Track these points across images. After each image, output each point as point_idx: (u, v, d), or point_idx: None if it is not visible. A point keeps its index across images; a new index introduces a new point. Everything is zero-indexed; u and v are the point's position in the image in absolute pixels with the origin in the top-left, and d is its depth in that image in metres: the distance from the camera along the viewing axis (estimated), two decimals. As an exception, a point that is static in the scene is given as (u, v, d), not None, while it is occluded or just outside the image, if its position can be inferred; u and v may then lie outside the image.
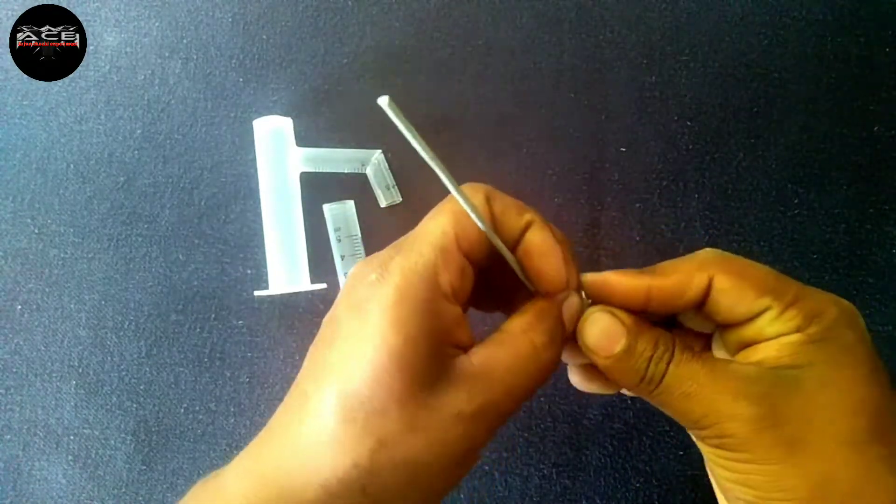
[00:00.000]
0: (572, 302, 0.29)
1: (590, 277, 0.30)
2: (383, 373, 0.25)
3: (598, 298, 0.30)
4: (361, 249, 0.47)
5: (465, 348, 0.27)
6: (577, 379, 0.33)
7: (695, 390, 0.27)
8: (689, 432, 0.29)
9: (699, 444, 0.29)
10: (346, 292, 0.28)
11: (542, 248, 0.29)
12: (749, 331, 0.29)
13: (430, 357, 0.25)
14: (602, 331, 0.29)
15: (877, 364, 0.27)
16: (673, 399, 0.28)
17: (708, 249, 0.30)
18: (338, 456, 0.25)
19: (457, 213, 0.27)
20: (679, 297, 0.29)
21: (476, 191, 0.29)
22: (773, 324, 0.28)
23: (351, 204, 0.47)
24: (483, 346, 0.28)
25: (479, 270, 0.29)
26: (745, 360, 0.28)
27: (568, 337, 0.30)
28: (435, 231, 0.27)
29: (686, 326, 0.33)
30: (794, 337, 0.27)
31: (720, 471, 0.28)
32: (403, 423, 0.25)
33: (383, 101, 0.23)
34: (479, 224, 0.27)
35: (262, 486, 0.27)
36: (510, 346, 0.28)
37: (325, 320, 0.28)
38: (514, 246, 0.29)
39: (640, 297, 0.29)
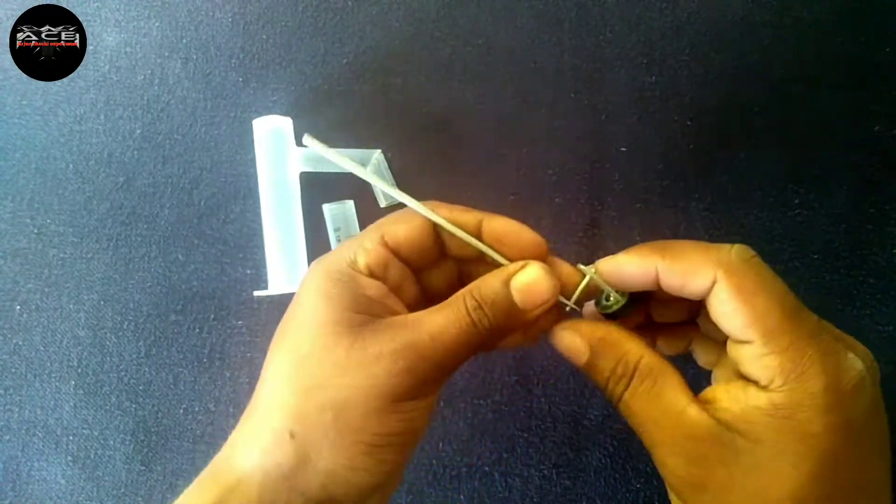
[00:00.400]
0: (527, 272, 0.30)
1: (603, 265, 0.31)
2: (310, 333, 0.29)
3: (613, 283, 0.31)
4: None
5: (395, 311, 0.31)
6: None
7: (639, 427, 0.28)
8: None
9: None
10: (300, 282, 0.32)
11: (505, 227, 0.31)
12: (734, 357, 0.28)
13: (354, 313, 0.29)
14: (566, 346, 0.31)
15: (832, 461, 0.25)
16: (627, 419, 0.29)
17: (737, 248, 0.28)
18: (275, 413, 0.28)
19: (387, 220, 0.32)
20: (681, 287, 0.29)
21: (429, 204, 0.33)
22: (752, 363, 0.26)
23: (351, 204, 0.47)
24: (424, 310, 0.30)
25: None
26: (713, 395, 0.28)
27: (529, 313, 0.31)
28: (362, 233, 0.32)
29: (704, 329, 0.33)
30: (761, 400, 0.26)
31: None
32: (329, 365, 0.28)
33: (308, 141, 0.29)
34: (437, 220, 0.31)
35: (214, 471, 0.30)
36: (444, 306, 0.30)
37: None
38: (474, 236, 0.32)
39: (650, 279, 0.29)
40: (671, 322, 0.34)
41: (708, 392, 0.28)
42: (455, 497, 0.47)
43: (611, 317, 0.32)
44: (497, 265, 0.31)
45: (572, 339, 0.31)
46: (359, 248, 0.31)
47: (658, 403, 0.28)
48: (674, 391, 0.28)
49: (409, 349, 0.28)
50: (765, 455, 0.25)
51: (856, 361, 0.26)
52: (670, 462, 0.27)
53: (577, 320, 0.32)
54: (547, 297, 0.30)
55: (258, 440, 0.28)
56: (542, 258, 0.31)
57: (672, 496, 0.29)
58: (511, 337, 0.33)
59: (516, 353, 0.47)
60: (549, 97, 0.47)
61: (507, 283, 0.30)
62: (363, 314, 0.29)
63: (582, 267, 0.32)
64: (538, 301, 0.30)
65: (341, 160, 0.31)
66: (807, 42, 0.46)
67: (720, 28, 0.46)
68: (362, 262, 0.31)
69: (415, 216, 0.32)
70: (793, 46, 0.46)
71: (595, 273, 0.31)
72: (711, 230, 0.46)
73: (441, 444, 0.47)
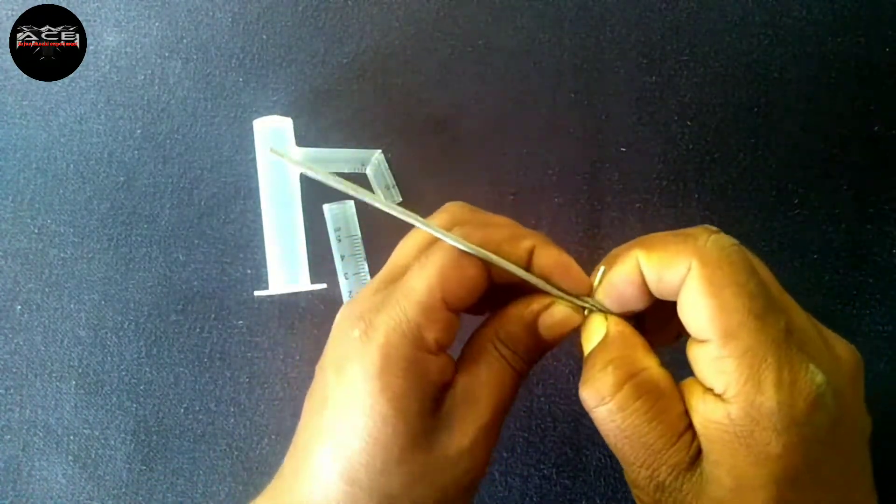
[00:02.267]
0: (555, 312, 0.29)
1: (601, 293, 0.29)
2: (378, 437, 0.25)
3: (616, 307, 0.29)
4: (361, 249, 0.47)
5: (451, 382, 0.28)
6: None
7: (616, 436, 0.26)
8: None
9: None
10: (332, 345, 0.28)
11: (557, 260, 0.29)
12: (692, 359, 0.26)
13: (421, 412, 0.26)
14: (587, 326, 0.29)
15: (790, 489, 0.23)
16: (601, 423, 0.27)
17: (716, 236, 0.26)
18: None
19: (444, 267, 0.27)
20: (659, 280, 0.26)
21: (467, 224, 0.29)
22: (709, 366, 0.24)
23: (351, 204, 0.47)
24: (460, 371, 0.28)
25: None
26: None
27: (549, 343, 0.29)
28: (420, 289, 0.26)
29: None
30: (718, 414, 0.24)
31: None
32: (406, 476, 0.26)
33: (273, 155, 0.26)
34: (491, 258, 0.27)
35: None
36: (483, 364, 0.28)
37: (317, 368, 0.29)
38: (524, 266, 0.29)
39: (641, 288, 0.27)
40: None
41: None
42: (455, 496, 0.47)
43: None
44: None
45: (596, 321, 0.28)
46: (425, 314, 0.26)
47: (643, 422, 0.25)
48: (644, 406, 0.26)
49: (482, 436, 0.27)
50: (722, 480, 0.24)
51: (816, 375, 0.23)
52: (636, 479, 0.26)
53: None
54: (572, 327, 0.29)
55: None
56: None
57: None
58: None
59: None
60: (549, 97, 0.47)
61: (532, 322, 0.28)
62: (427, 408, 0.26)
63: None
64: (565, 333, 0.29)
65: (311, 172, 0.28)
66: (807, 42, 0.46)
67: (720, 28, 0.46)
68: (431, 338, 0.26)
69: (471, 264, 0.27)
70: (793, 46, 0.46)
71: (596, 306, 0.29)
72: (711, 230, 0.46)
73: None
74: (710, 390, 0.25)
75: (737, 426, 0.23)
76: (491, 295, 0.29)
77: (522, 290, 0.29)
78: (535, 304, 0.29)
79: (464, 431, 0.26)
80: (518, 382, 0.29)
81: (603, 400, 0.26)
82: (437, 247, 0.28)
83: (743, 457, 0.23)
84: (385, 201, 0.28)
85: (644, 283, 0.27)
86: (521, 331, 0.28)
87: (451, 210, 0.30)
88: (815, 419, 0.23)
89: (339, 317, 0.28)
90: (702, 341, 0.25)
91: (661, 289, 0.27)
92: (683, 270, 0.25)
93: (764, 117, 0.46)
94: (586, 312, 0.29)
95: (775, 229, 0.46)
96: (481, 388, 0.27)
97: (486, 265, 0.28)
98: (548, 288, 0.29)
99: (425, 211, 0.47)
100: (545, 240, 0.29)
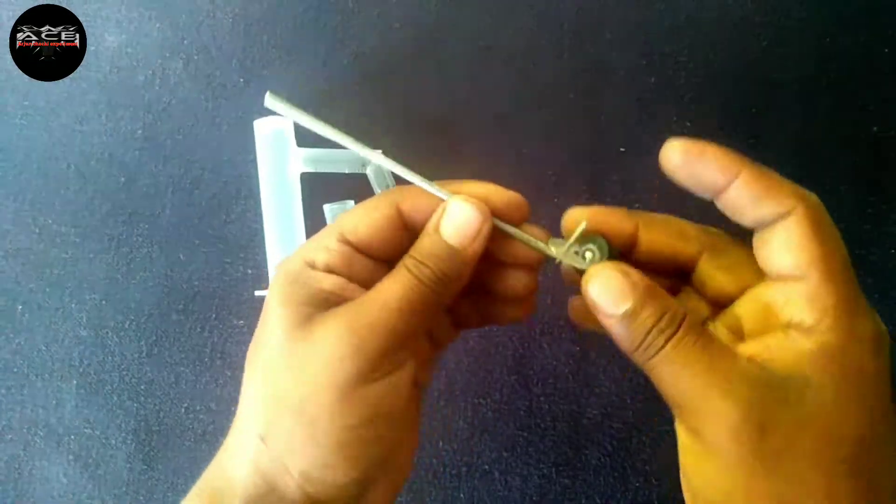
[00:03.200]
0: (450, 212, 0.30)
1: (575, 213, 0.31)
2: (269, 330, 0.29)
3: (693, 172, 0.30)
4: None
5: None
6: (574, 314, 0.33)
7: (686, 376, 0.26)
8: (671, 409, 0.28)
9: (677, 425, 0.28)
10: None
11: (476, 190, 0.31)
12: (771, 300, 0.27)
13: (305, 309, 0.28)
14: (608, 289, 0.28)
15: (885, 402, 0.26)
16: (662, 375, 0.27)
17: (814, 194, 0.28)
18: (249, 419, 0.29)
19: (352, 212, 0.31)
20: (754, 202, 0.28)
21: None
22: (803, 301, 0.26)
23: (351, 204, 0.47)
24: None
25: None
26: (745, 352, 0.27)
27: (467, 250, 0.29)
28: (325, 229, 0.31)
29: (700, 292, 0.31)
30: (809, 343, 0.25)
31: (689, 458, 0.27)
32: (285, 365, 0.28)
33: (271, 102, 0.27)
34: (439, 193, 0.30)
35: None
36: (388, 276, 0.29)
37: None
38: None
39: (721, 184, 0.29)
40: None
41: (740, 349, 0.27)
42: (455, 496, 0.47)
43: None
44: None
45: (621, 282, 0.28)
46: (317, 247, 0.30)
47: (707, 350, 0.26)
48: (720, 344, 0.27)
49: (355, 326, 0.27)
50: (828, 396, 0.25)
51: (881, 324, 0.26)
52: (723, 411, 0.25)
53: (617, 263, 0.29)
54: (477, 226, 0.29)
55: (241, 449, 0.29)
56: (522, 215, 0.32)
57: (688, 467, 0.28)
58: (510, 310, 0.33)
59: (516, 352, 0.47)
60: (549, 97, 0.47)
61: (437, 229, 0.29)
62: (316, 307, 0.28)
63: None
64: (471, 233, 0.29)
65: (311, 122, 0.30)
66: (807, 42, 0.46)
67: (720, 28, 0.46)
68: (320, 260, 0.30)
69: (380, 209, 0.30)
70: (793, 46, 0.46)
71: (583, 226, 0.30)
72: (711, 230, 0.46)
73: (441, 443, 0.47)
74: (792, 325, 0.26)
75: (832, 352, 0.25)
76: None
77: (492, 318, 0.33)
78: (436, 212, 0.30)
79: (338, 323, 0.28)
80: (425, 296, 0.28)
81: (662, 348, 0.27)
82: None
83: (844, 376, 0.25)
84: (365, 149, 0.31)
85: (725, 186, 0.29)
86: (428, 237, 0.29)
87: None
88: (886, 357, 0.26)
89: None
90: (791, 278, 0.26)
91: (751, 209, 0.28)
92: (784, 208, 0.27)
93: (764, 117, 0.46)
94: (558, 261, 0.30)
95: (775, 229, 0.46)
96: (374, 291, 0.29)
97: (398, 216, 0.30)
98: (507, 228, 0.30)
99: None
100: (463, 182, 0.31)
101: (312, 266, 0.30)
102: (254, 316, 0.48)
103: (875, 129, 0.46)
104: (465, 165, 0.47)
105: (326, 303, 0.29)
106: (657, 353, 0.27)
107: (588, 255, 0.30)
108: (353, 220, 0.30)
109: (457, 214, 0.29)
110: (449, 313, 0.34)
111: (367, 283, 0.30)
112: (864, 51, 0.46)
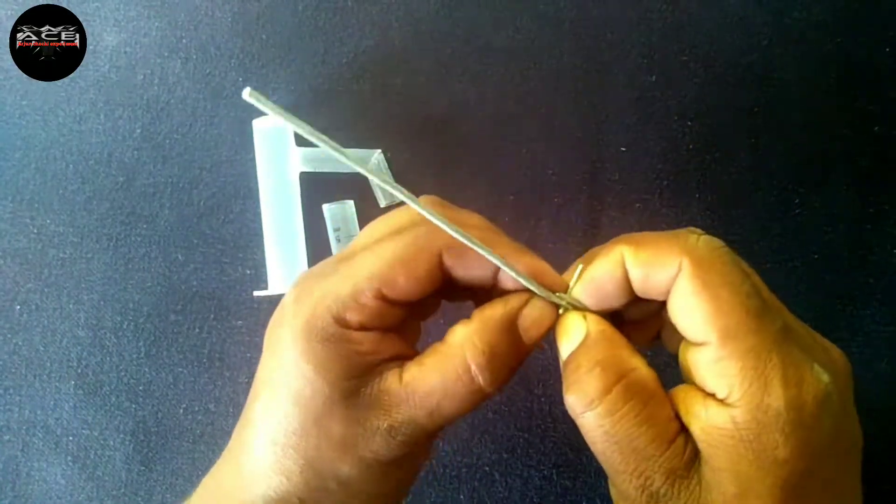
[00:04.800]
0: (534, 307, 0.28)
1: (578, 291, 0.28)
2: (299, 397, 0.26)
3: (595, 304, 0.28)
4: (361, 249, 0.47)
5: (407, 358, 0.28)
6: None
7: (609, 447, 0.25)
8: None
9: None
10: (278, 307, 0.28)
11: (531, 268, 0.28)
12: (690, 364, 0.25)
13: (343, 378, 0.26)
14: (566, 326, 0.28)
15: (795, 494, 0.22)
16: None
17: (706, 237, 0.25)
18: (270, 475, 0.27)
19: (392, 259, 0.27)
20: (646, 278, 0.25)
21: (430, 203, 0.29)
22: (710, 368, 0.23)
23: (351, 204, 0.47)
24: (419, 360, 0.27)
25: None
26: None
27: (529, 346, 0.28)
28: (359, 274, 0.27)
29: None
30: (721, 418, 0.23)
31: None
32: (325, 441, 0.26)
33: (251, 97, 0.23)
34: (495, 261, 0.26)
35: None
36: (442, 363, 0.27)
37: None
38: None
39: (624, 285, 0.27)
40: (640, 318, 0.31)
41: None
42: (455, 497, 0.47)
43: None
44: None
45: (574, 320, 0.27)
46: (351, 301, 0.26)
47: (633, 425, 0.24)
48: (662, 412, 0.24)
49: (406, 426, 0.26)
50: (729, 490, 0.23)
51: (822, 374, 0.23)
52: (631, 492, 0.25)
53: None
54: (549, 326, 0.28)
55: (256, 490, 0.27)
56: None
57: None
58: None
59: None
60: (549, 97, 0.47)
61: (511, 323, 0.27)
62: (356, 378, 0.26)
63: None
64: (543, 333, 0.28)
65: (293, 121, 0.25)
66: (807, 42, 0.46)
67: (720, 28, 0.46)
68: (354, 320, 0.26)
69: (416, 259, 0.27)
70: (793, 46, 0.46)
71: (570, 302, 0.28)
72: (711, 230, 0.46)
73: (441, 444, 0.47)
74: (711, 395, 0.24)
75: (742, 430, 0.22)
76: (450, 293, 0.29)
77: (485, 296, 0.29)
78: (514, 300, 0.27)
79: (387, 413, 0.26)
80: (474, 394, 0.27)
81: (591, 404, 0.25)
82: (398, 237, 0.27)
83: (748, 462, 0.22)
84: (383, 177, 0.26)
85: (626, 281, 0.26)
86: (497, 333, 0.27)
87: (423, 201, 0.28)
88: (822, 421, 0.22)
89: (297, 278, 0.29)
90: (698, 344, 0.24)
91: (646, 287, 0.26)
92: (673, 270, 0.24)
93: (764, 117, 0.46)
94: (561, 311, 0.28)
95: (776, 229, 0.46)
96: (428, 383, 0.26)
97: (439, 267, 0.27)
98: (525, 281, 0.27)
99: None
100: (519, 247, 0.28)
101: (344, 325, 0.26)
102: (252, 316, 0.48)
103: (876, 128, 0.46)
104: (465, 165, 0.47)
105: (362, 370, 0.27)
106: (587, 406, 0.25)
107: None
108: (390, 273, 0.27)
109: (539, 312, 0.27)
110: None
111: (394, 328, 0.28)
112: (864, 51, 0.46)
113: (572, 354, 0.27)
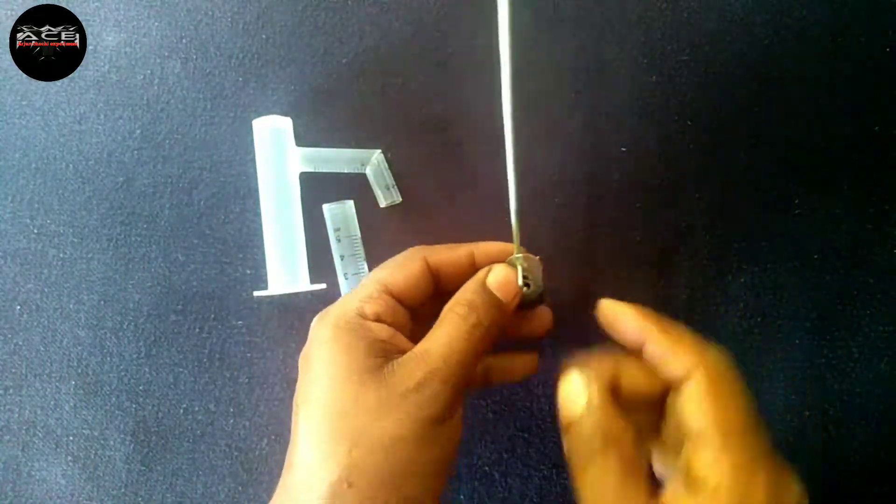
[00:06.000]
0: (496, 271, 0.36)
1: (605, 306, 0.35)
2: (335, 384, 0.31)
3: (606, 327, 0.35)
4: (361, 249, 0.47)
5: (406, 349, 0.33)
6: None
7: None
8: None
9: None
10: (308, 338, 0.35)
11: (494, 248, 0.38)
12: (686, 458, 0.29)
13: (370, 359, 0.31)
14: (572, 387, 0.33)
15: None
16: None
17: (720, 352, 0.30)
18: (324, 466, 0.30)
19: (391, 265, 0.37)
20: (662, 358, 0.31)
21: (419, 250, 0.38)
22: (706, 462, 0.28)
23: (351, 204, 0.47)
24: (426, 336, 0.33)
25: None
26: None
27: (510, 303, 0.35)
28: (368, 280, 0.36)
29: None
30: (706, 501, 0.27)
31: None
32: (363, 411, 0.30)
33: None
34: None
35: None
36: (440, 326, 0.33)
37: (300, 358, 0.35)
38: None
39: (636, 339, 0.33)
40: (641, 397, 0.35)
41: (660, 498, 0.28)
42: (455, 497, 0.47)
43: (526, 305, 0.38)
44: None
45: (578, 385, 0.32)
46: (365, 298, 0.34)
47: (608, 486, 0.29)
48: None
49: (429, 378, 0.31)
50: None
51: (797, 486, 0.28)
52: None
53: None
54: (516, 287, 0.36)
55: (313, 495, 0.29)
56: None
57: None
58: (518, 367, 0.40)
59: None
60: (549, 97, 0.47)
61: (483, 284, 0.35)
62: (379, 358, 0.32)
63: (515, 257, 0.38)
64: (512, 291, 0.35)
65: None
66: (807, 42, 0.46)
67: (720, 28, 0.46)
68: (370, 310, 0.34)
69: (412, 263, 0.36)
70: (793, 46, 0.46)
71: (521, 261, 0.37)
72: (711, 230, 0.46)
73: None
74: (699, 480, 0.28)
75: None
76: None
77: None
78: (481, 272, 0.36)
79: (411, 374, 0.31)
80: (478, 344, 0.33)
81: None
82: (394, 257, 0.38)
83: None
84: None
85: (640, 344, 0.32)
86: (475, 290, 0.34)
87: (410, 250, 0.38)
88: None
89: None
90: (700, 440, 0.28)
91: (661, 368, 0.31)
92: (685, 367, 0.30)
93: (764, 117, 0.46)
94: (563, 377, 0.33)
95: (775, 229, 0.46)
96: (434, 342, 0.32)
97: (428, 269, 0.36)
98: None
99: (425, 211, 0.47)
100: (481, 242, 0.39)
101: (364, 317, 0.34)
102: (252, 317, 0.48)
103: (876, 128, 0.46)
104: (465, 165, 0.47)
105: (385, 352, 0.32)
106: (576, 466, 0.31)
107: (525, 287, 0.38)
108: (390, 273, 0.36)
109: (503, 272, 0.35)
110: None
111: (404, 330, 0.35)
112: (864, 50, 0.46)
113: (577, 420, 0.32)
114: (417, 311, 0.37)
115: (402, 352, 0.33)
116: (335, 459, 0.29)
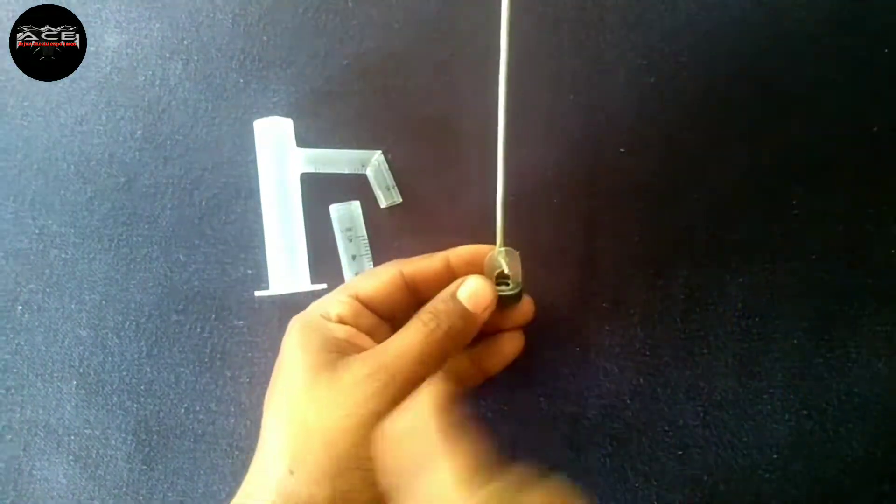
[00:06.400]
0: (468, 283, 0.36)
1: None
2: (289, 371, 0.33)
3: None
4: (368, 250, 0.47)
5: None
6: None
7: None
8: None
9: None
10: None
11: (469, 251, 0.39)
12: None
13: (324, 354, 0.33)
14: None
15: None
16: None
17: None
18: (277, 457, 0.31)
19: (363, 274, 0.39)
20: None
21: (394, 263, 0.39)
22: None
23: (357, 204, 0.47)
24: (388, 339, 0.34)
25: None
26: None
27: (480, 314, 0.36)
28: (337, 290, 0.38)
29: None
30: None
31: None
32: (313, 402, 0.31)
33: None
34: None
35: None
36: (403, 329, 0.34)
37: None
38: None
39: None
40: None
41: None
42: (455, 496, 0.47)
43: (506, 303, 0.39)
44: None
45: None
46: (331, 301, 0.36)
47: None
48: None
49: (378, 371, 0.31)
50: None
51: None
52: None
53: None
54: (490, 298, 0.36)
55: (267, 483, 0.31)
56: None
57: None
58: (507, 349, 0.41)
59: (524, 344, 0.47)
60: (549, 98, 0.47)
61: (453, 294, 0.35)
62: (333, 353, 0.33)
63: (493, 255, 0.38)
64: (483, 303, 0.36)
65: None
66: (806, 42, 0.46)
67: (719, 29, 0.46)
68: (333, 312, 0.35)
69: (385, 272, 0.37)
70: (792, 46, 0.46)
71: (501, 258, 0.38)
72: (711, 230, 0.46)
73: (441, 444, 0.47)
74: None
75: None
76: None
77: None
78: (455, 282, 0.36)
79: (361, 366, 0.32)
80: (435, 348, 0.33)
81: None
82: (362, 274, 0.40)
83: None
84: None
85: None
86: (444, 299, 0.35)
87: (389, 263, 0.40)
88: None
89: None
90: None
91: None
92: None
93: (764, 117, 0.46)
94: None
95: (775, 229, 0.46)
96: (391, 341, 0.33)
97: (402, 279, 0.37)
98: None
99: (425, 211, 0.47)
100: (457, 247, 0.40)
101: (327, 317, 0.35)
102: (253, 316, 0.48)
103: (875, 128, 0.46)
104: (465, 165, 0.47)
105: (341, 349, 0.33)
106: None
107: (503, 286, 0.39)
108: (361, 280, 0.37)
109: (474, 285, 0.36)
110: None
111: (372, 335, 0.36)
112: (864, 51, 0.46)
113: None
114: (397, 319, 0.37)
115: (363, 350, 0.34)
116: (286, 449, 0.31)
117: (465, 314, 0.35)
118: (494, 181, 0.47)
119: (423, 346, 0.33)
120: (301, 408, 0.31)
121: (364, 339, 0.35)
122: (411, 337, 0.33)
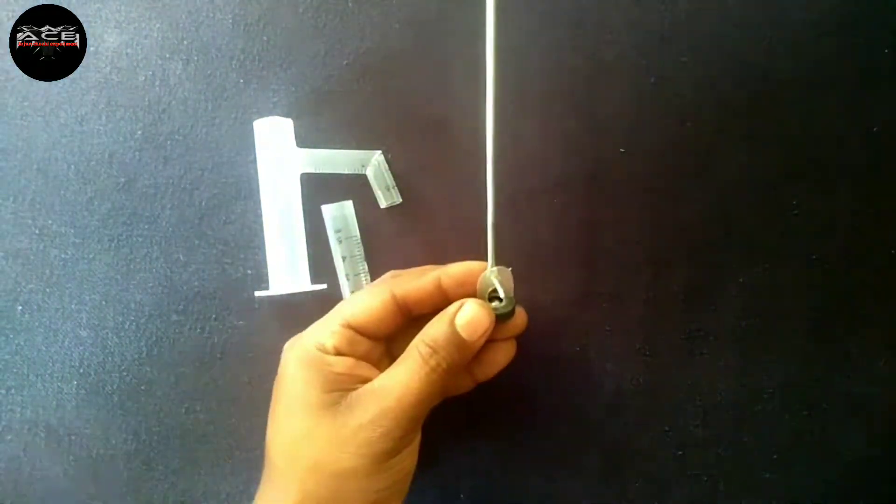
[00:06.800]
0: (466, 310, 0.36)
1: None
2: (294, 417, 0.34)
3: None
4: (361, 250, 0.47)
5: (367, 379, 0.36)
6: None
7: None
8: None
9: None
10: (280, 364, 0.38)
11: (461, 270, 0.38)
12: None
13: (326, 394, 0.34)
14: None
15: None
16: None
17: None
18: (285, 492, 0.33)
19: (351, 301, 0.38)
20: None
21: (387, 281, 0.39)
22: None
23: (349, 204, 0.47)
24: (385, 371, 0.35)
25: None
26: None
27: (476, 342, 0.36)
28: (328, 316, 0.38)
29: None
30: None
31: None
32: (323, 443, 0.33)
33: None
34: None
35: None
36: (402, 361, 0.35)
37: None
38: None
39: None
40: None
41: None
42: (455, 497, 0.47)
43: (499, 319, 0.38)
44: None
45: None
46: (324, 332, 0.36)
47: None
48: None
49: (381, 417, 0.33)
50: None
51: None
52: None
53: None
54: (487, 325, 0.36)
55: None
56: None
57: None
58: (500, 357, 0.40)
59: (516, 352, 0.47)
60: (549, 98, 0.47)
61: (451, 323, 0.35)
62: (336, 391, 0.34)
63: (488, 273, 0.38)
64: (481, 331, 0.35)
65: None
66: (806, 42, 0.46)
67: (719, 29, 0.46)
68: (330, 344, 0.36)
69: (377, 295, 0.37)
70: (792, 46, 0.46)
71: (494, 277, 0.37)
72: (711, 230, 0.46)
73: (441, 444, 0.47)
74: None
75: None
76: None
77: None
78: (451, 307, 0.36)
79: (364, 409, 0.33)
80: (437, 386, 0.34)
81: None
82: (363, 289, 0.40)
83: None
84: None
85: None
86: (442, 330, 0.35)
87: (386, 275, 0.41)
88: None
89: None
90: None
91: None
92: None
93: (764, 117, 0.46)
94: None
95: (775, 229, 0.46)
96: (392, 379, 0.34)
97: (394, 302, 0.37)
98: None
99: (425, 211, 0.47)
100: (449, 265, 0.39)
101: (323, 350, 0.36)
102: (253, 317, 0.48)
103: (875, 128, 0.46)
104: (465, 165, 0.47)
105: (342, 385, 0.34)
106: None
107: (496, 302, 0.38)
108: (352, 307, 0.37)
109: (473, 312, 0.35)
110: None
111: (369, 358, 0.37)
112: (864, 51, 0.46)
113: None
114: (393, 339, 0.39)
115: (365, 380, 0.35)
116: (294, 486, 0.33)
117: (463, 345, 0.35)
118: (494, 181, 0.47)
119: (423, 385, 0.34)
120: (312, 450, 0.33)
121: (363, 368, 0.36)
122: (411, 377, 0.34)
